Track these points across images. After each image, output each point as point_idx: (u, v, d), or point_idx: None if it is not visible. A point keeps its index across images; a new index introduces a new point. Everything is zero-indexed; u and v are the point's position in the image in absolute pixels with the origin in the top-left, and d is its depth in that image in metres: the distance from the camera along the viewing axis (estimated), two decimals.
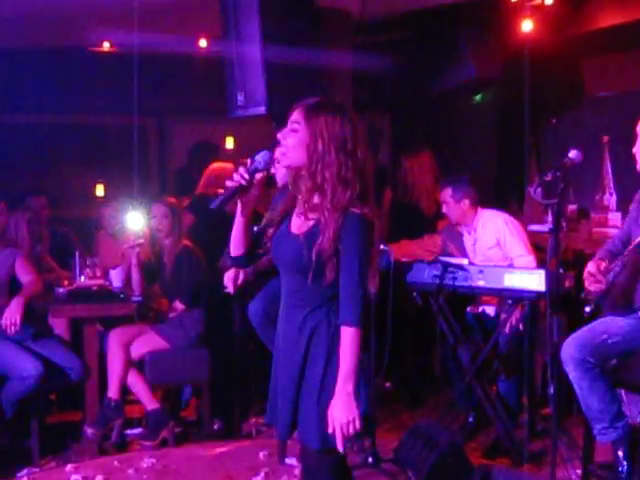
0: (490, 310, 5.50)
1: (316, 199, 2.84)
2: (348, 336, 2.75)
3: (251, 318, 4.85)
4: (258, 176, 2.92)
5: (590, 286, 3.97)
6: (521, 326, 5.09)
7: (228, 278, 4.66)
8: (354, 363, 2.75)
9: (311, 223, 2.85)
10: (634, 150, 3.99)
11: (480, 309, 5.55)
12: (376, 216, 2.85)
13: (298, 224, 2.91)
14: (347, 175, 2.79)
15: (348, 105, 2.95)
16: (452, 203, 5.49)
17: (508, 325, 5.11)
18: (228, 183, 2.91)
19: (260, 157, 2.91)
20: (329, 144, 2.79)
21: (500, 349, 5.18)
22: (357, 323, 2.75)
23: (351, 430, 2.73)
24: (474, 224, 5.52)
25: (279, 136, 2.96)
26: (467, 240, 5.60)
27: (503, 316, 5.11)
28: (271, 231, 3.00)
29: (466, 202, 5.47)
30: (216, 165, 7.24)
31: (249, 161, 2.92)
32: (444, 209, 5.58)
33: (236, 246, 3.06)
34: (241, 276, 4.67)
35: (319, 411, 2.85)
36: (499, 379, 5.41)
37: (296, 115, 2.87)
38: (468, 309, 5.58)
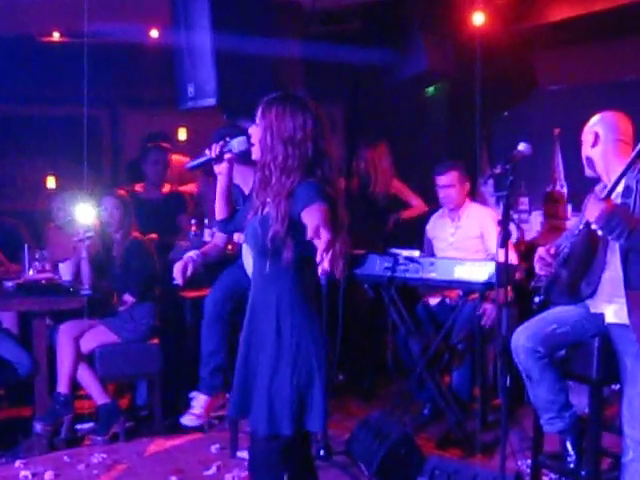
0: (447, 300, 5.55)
1: (267, 189, 2.99)
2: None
3: (206, 313, 4.85)
4: (227, 156, 3.27)
5: (540, 270, 3.99)
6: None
7: (177, 270, 4.63)
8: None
9: (265, 211, 3.01)
10: (583, 154, 4.02)
11: (437, 300, 5.57)
12: (336, 194, 2.96)
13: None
14: (293, 164, 2.93)
15: (306, 97, 3.04)
16: (458, 186, 5.57)
17: (485, 319, 5.19)
18: (206, 152, 3.30)
19: (235, 141, 3.23)
20: (277, 136, 2.96)
21: (452, 340, 5.21)
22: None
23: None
24: (459, 212, 5.61)
25: (249, 130, 3.14)
26: (446, 227, 5.67)
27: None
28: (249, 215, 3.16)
29: (466, 186, 5.60)
30: (177, 158, 7.17)
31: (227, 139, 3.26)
32: (442, 194, 5.60)
33: (219, 210, 3.35)
34: (190, 268, 4.64)
35: (269, 397, 2.94)
36: (452, 370, 5.44)
37: (258, 111, 3.06)
38: (427, 299, 5.60)
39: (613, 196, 3.64)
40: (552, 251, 4.01)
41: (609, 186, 3.64)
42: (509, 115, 7.54)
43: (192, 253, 4.77)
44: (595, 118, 3.97)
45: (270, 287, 3.03)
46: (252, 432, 3.09)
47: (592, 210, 3.58)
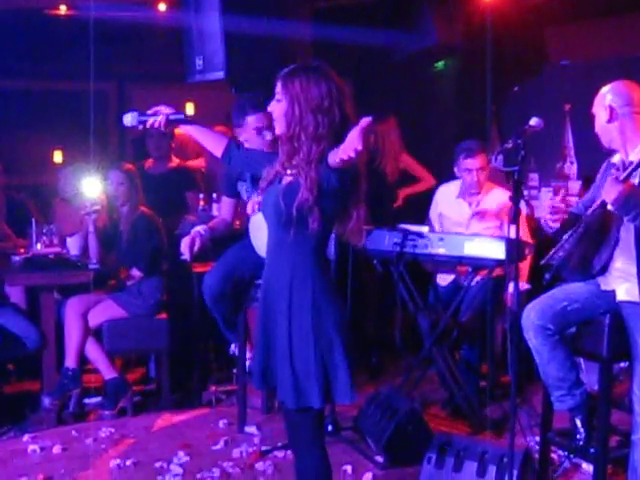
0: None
1: (294, 160, 2.99)
2: None
3: (205, 290, 4.83)
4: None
5: (554, 221, 3.90)
6: None
7: (185, 244, 4.60)
8: None
9: (290, 179, 3.00)
10: (595, 130, 3.96)
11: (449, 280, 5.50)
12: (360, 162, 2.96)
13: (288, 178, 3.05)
14: (322, 132, 2.94)
15: (324, 65, 3.02)
16: (486, 169, 5.28)
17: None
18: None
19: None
20: (305, 106, 2.95)
21: (461, 316, 5.18)
22: None
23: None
24: (479, 197, 5.40)
25: (269, 108, 3.10)
26: (462, 208, 5.46)
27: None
28: (263, 184, 3.14)
29: (489, 170, 5.31)
30: (179, 132, 7.14)
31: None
32: (472, 178, 5.31)
33: (213, 149, 3.33)
34: (197, 242, 4.61)
35: (292, 369, 2.96)
36: (460, 347, 5.43)
37: (278, 86, 3.03)
38: (437, 280, 5.53)
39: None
40: (561, 194, 3.93)
41: (629, 169, 3.57)
42: (519, 90, 7.47)
43: (200, 228, 4.73)
44: (606, 90, 3.89)
45: (290, 256, 3.01)
46: (282, 404, 3.11)
47: (610, 192, 3.52)
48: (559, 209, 3.88)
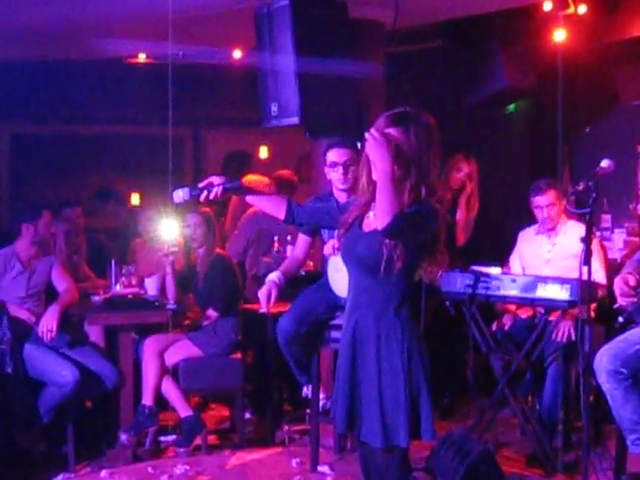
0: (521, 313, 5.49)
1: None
2: None
3: (279, 334, 4.88)
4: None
5: (622, 301, 3.94)
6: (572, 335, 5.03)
7: (262, 297, 4.66)
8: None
9: (372, 226, 3.02)
10: None
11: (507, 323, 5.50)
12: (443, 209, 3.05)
13: (369, 223, 3.09)
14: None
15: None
16: (558, 205, 5.39)
17: (560, 334, 5.07)
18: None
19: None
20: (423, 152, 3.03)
21: (533, 358, 5.15)
22: None
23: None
24: (557, 229, 5.48)
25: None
26: (542, 244, 5.53)
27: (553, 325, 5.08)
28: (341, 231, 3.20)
29: (563, 204, 5.39)
30: (250, 178, 7.30)
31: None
32: (543, 214, 5.42)
33: (273, 214, 3.36)
34: (274, 293, 4.67)
35: (381, 409, 3.02)
36: (534, 389, 5.39)
37: (396, 134, 3.01)
38: (502, 321, 5.54)
39: None
40: (632, 282, 3.95)
41: None
42: (591, 131, 7.46)
43: (274, 276, 4.78)
44: None
45: (376, 299, 3.07)
46: (365, 444, 3.15)
47: None
48: (627, 293, 3.90)
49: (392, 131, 2.99)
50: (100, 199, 7.46)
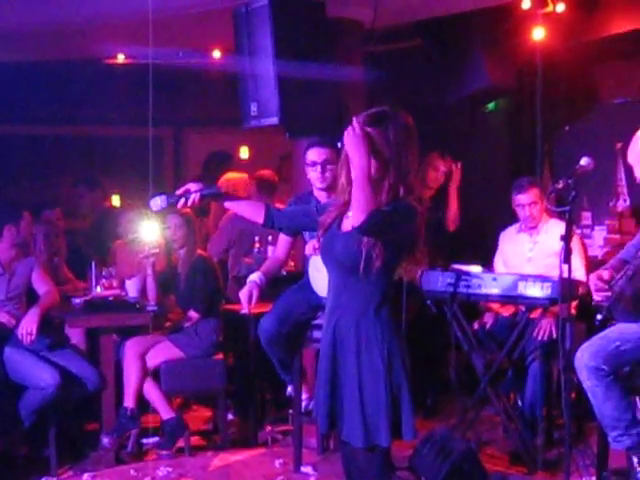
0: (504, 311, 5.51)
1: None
2: None
3: (261, 334, 4.88)
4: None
5: (597, 296, 3.97)
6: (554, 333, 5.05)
7: (243, 298, 4.68)
8: None
9: (350, 226, 3.03)
10: (628, 159, 4.01)
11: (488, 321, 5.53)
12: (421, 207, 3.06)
13: (348, 223, 3.08)
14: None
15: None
16: (540, 204, 5.42)
17: (541, 332, 5.10)
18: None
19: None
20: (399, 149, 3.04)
21: (515, 356, 5.17)
22: None
23: None
24: (538, 228, 5.51)
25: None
26: (523, 242, 5.56)
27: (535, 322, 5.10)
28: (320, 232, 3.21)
29: (544, 202, 5.36)
30: (230, 176, 7.29)
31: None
32: (525, 213, 5.46)
33: (252, 219, 3.36)
34: (255, 294, 4.68)
35: (362, 408, 3.03)
36: (516, 387, 5.40)
37: (376, 135, 3.02)
38: (484, 319, 5.56)
39: None
40: (605, 276, 3.98)
41: None
42: (570, 129, 7.48)
43: (255, 277, 4.80)
44: None
45: (355, 299, 3.08)
46: (346, 443, 3.15)
47: None
48: (601, 288, 3.93)
49: (370, 131, 3.00)
50: (87, 185, 7.41)
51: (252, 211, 3.36)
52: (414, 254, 3.10)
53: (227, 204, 3.39)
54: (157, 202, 3.31)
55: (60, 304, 5.45)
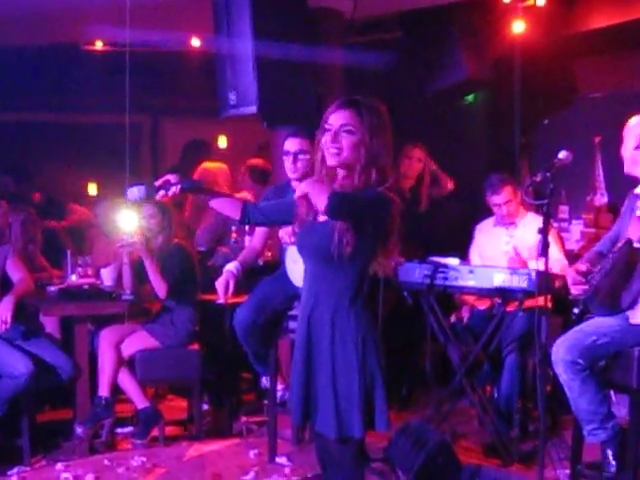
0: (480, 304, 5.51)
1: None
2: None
3: (236, 324, 4.85)
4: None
5: (574, 289, 3.99)
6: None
7: (220, 288, 4.66)
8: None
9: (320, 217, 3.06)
10: (622, 152, 4.01)
11: (465, 315, 5.54)
12: (397, 197, 3.04)
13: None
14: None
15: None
16: (515, 200, 5.42)
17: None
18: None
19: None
20: (378, 138, 3.05)
21: (491, 349, 5.18)
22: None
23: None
24: (516, 222, 5.50)
25: (320, 138, 3.11)
26: (500, 236, 5.55)
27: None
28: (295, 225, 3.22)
29: (519, 197, 5.40)
30: (209, 165, 7.23)
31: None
32: (502, 212, 5.46)
33: (230, 214, 3.34)
34: (231, 284, 4.66)
35: (335, 400, 3.02)
36: (492, 380, 5.41)
37: (348, 117, 3.04)
38: (460, 312, 5.57)
39: None
40: (583, 268, 3.99)
41: None
42: (549, 123, 7.50)
43: (232, 267, 4.78)
44: (638, 118, 3.95)
45: (331, 290, 3.08)
46: (320, 435, 3.14)
47: (637, 230, 3.55)
48: (578, 282, 3.95)
49: (343, 112, 3.03)
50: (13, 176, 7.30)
51: (229, 207, 3.33)
52: (387, 246, 3.08)
53: (205, 198, 3.37)
54: (134, 192, 3.28)
55: (35, 292, 5.41)
